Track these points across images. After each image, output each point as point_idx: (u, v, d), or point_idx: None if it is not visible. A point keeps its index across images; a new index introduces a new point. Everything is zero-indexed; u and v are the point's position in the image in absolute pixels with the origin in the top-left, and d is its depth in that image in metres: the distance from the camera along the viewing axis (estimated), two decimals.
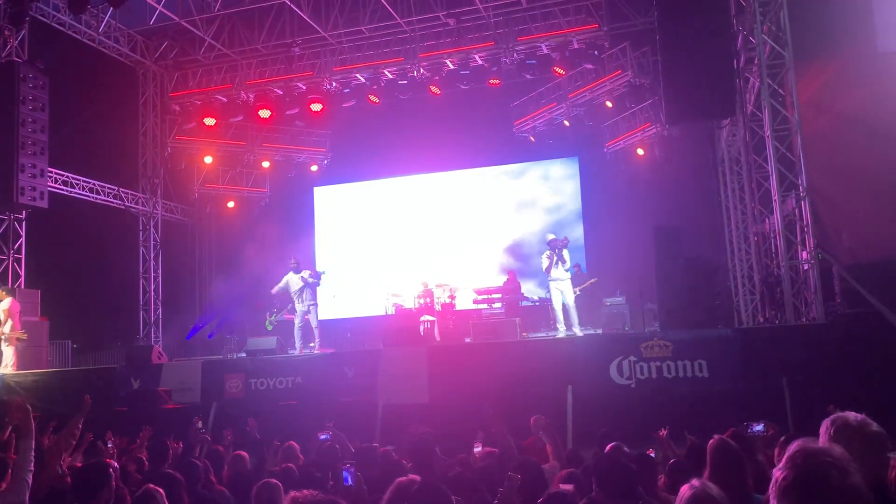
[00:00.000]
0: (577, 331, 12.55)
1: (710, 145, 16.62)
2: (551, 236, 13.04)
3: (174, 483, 4.21)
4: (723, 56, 11.19)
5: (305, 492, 3.39)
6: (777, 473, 1.90)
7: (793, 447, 1.93)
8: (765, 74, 11.06)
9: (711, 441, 3.99)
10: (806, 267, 10.69)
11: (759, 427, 5.62)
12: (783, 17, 10.95)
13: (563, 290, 12.68)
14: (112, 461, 4.56)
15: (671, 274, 10.73)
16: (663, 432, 5.84)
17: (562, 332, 12.58)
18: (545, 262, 12.73)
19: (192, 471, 5.12)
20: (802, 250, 10.82)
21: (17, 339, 12.72)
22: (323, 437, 6.69)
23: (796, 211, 10.87)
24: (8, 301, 12.86)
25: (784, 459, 1.92)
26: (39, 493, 5.01)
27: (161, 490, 3.70)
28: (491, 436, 5.87)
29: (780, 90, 11.05)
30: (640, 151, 16.70)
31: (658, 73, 12.78)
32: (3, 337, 12.75)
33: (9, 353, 12.74)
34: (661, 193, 15.64)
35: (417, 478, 3.28)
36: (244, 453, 6.09)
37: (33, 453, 4.30)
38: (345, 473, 4.37)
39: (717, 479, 3.91)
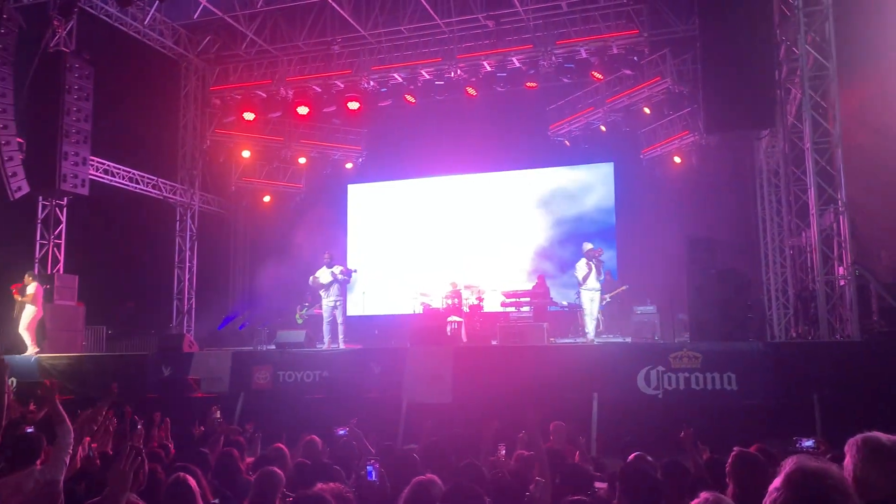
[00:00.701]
0: (593, 338, 12.53)
1: (749, 156, 16.43)
2: (589, 245, 12.88)
3: (193, 472, 4.28)
4: (764, 66, 11.05)
5: (332, 484, 3.44)
6: (773, 493, 1.83)
7: (789, 466, 1.86)
8: (807, 86, 10.87)
9: (733, 453, 3.93)
10: (842, 283, 10.49)
11: (808, 443, 5.46)
12: (828, 28, 10.77)
13: (594, 300, 12.61)
14: (138, 445, 4.65)
15: (703, 285, 10.62)
16: (686, 433, 5.69)
17: (590, 335, 12.50)
18: (583, 271, 12.53)
19: (201, 460, 5.16)
20: (839, 266, 10.62)
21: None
22: (340, 432, 6.71)
23: (834, 225, 10.68)
24: (34, 286, 13.14)
25: (781, 478, 1.85)
26: (66, 474, 5.14)
27: (192, 478, 3.76)
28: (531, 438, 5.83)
29: (823, 102, 10.85)
30: (677, 159, 16.53)
31: (698, 81, 12.67)
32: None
33: (26, 336, 13.03)
34: (696, 203, 15.49)
35: (435, 477, 3.28)
36: (283, 445, 6.12)
37: (72, 437, 4.44)
38: (369, 469, 4.38)
39: (742, 492, 3.87)
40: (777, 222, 14.96)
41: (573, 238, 18.05)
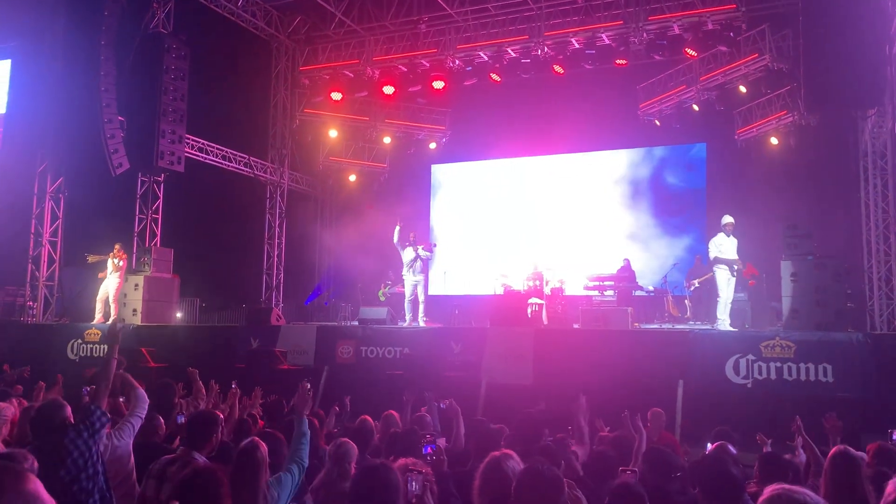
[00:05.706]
0: (724, 325, 10.96)
1: (852, 137, 15.48)
2: (729, 219, 11.39)
3: (279, 441, 4.41)
4: (873, 40, 10.38)
5: (411, 459, 3.48)
6: (892, 495, 1.72)
7: None
8: None
9: (832, 451, 3.73)
10: None
11: None
12: None
13: (731, 281, 11.20)
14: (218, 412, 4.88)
15: (799, 272, 10.15)
16: (797, 424, 5.42)
17: (724, 323, 11.04)
18: (720, 245, 11.17)
19: (291, 429, 5.31)
20: None
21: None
22: (442, 405, 6.73)
23: None
24: (124, 259, 13.82)
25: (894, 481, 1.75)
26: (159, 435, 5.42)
27: (264, 444, 3.86)
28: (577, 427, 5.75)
29: None
30: (774, 140, 15.78)
31: (798, 57, 12.02)
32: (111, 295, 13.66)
33: (112, 307, 13.63)
34: (793, 186, 14.78)
35: (512, 453, 3.22)
36: (369, 418, 6.23)
37: (145, 404, 4.73)
38: (426, 447, 4.34)
39: (832, 489, 3.67)
40: (882, 207, 14.11)
41: (661, 221, 17.59)
